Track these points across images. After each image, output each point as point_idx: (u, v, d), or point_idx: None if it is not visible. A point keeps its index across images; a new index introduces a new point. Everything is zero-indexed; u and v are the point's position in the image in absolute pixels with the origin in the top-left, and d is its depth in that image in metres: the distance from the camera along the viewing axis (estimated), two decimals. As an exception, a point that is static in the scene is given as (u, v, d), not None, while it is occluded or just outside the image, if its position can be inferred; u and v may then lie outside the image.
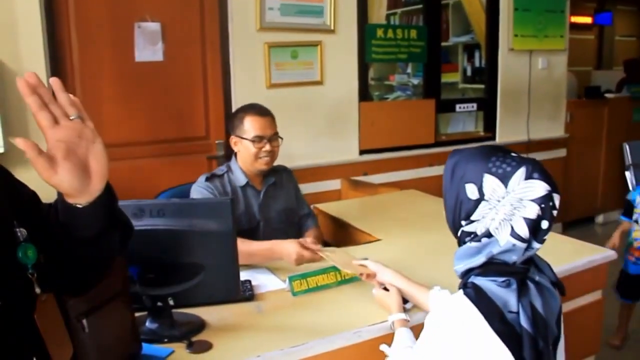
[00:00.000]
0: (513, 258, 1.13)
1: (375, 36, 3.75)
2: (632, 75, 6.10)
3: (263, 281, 1.84)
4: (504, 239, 1.11)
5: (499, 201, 1.12)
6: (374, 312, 1.58)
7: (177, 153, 3.22)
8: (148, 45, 3.04)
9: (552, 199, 1.11)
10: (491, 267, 1.14)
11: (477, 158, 1.17)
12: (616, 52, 8.79)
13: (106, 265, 0.94)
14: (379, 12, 3.89)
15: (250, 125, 2.16)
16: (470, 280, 1.16)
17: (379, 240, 2.29)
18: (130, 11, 3.01)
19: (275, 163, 2.34)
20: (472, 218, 1.16)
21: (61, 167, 0.74)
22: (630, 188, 5.18)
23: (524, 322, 1.09)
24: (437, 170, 4.07)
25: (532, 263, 1.19)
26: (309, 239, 1.92)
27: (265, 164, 2.18)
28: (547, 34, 4.53)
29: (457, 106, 4.34)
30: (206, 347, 1.41)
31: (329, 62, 3.53)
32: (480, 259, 1.15)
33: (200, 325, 1.52)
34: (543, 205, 1.09)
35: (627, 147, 5.28)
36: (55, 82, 0.76)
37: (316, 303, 1.68)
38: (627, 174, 5.25)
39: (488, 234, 1.13)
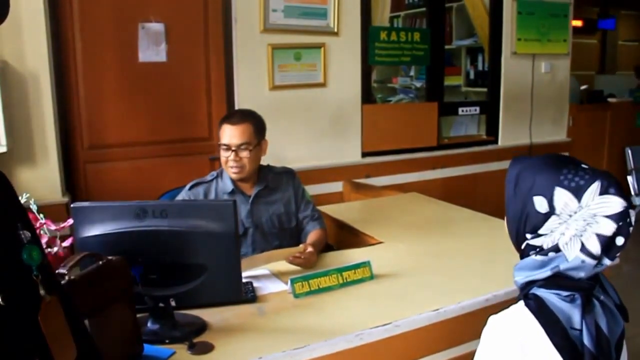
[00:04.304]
0: (580, 274, 1.08)
1: (378, 39, 3.75)
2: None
3: (265, 283, 1.84)
4: (572, 255, 1.06)
5: (570, 216, 1.07)
6: (376, 315, 1.58)
7: (180, 154, 3.23)
8: (152, 46, 3.05)
9: (628, 216, 1.05)
10: (556, 280, 1.09)
11: (546, 169, 1.10)
12: (619, 56, 8.80)
13: None
14: (382, 15, 3.89)
15: (220, 133, 2.14)
16: (532, 291, 1.10)
17: (381, 243, 2.28)
18: (134, 12, 3.02)
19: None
20: (539, 232, 1.10)
21: None
22: (632, 193, 5.18)
23: (587, 341, 1.03)
24: (439, 173, 4.08)
25: (598, 281, 1.13)
26: (300, 247, 1.96)
27: (233, 173, 2.11)
28: (550, 38, 4.53)
29: (460, 109, 4.34)
30: (208, 348, 1.41)
31: (332, 64, 3.54)
32: (544, 273, 1.09)
33: (201, 326, 1.52)
34: (621, 223, 1.04)
35: (630, 151, 5.28)
36: None
37: (318, 305, 1.68)
38: (630, 178, 5.24)
39: (556, 249, 1.08)
